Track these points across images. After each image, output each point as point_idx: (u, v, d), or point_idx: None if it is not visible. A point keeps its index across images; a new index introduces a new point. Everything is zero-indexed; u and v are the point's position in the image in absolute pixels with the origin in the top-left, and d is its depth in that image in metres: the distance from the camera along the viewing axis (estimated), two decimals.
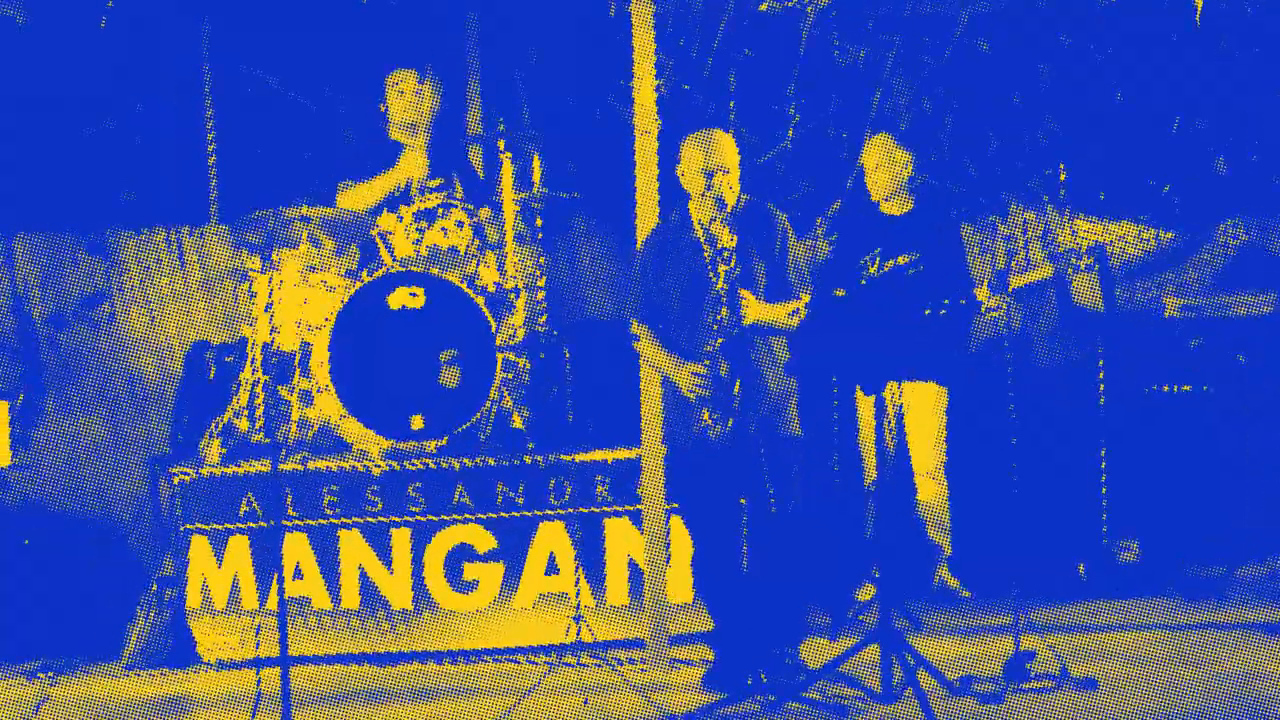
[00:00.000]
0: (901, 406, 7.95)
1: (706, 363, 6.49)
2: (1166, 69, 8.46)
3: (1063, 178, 8.46)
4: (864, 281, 7.71)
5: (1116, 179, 8.79)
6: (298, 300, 7.84)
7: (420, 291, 7.70)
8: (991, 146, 8.83)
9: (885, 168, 7.85)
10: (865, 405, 7.79)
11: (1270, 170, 8.53)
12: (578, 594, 7.33)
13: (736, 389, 6.45)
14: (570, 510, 7.61)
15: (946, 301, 6.34)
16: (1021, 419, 7.82)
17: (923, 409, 7.93)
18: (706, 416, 6.48)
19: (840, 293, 7.69)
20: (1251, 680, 6.40)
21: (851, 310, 6.58)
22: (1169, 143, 8.65)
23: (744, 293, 6.45)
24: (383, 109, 8.38)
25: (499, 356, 7.70)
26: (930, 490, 8.00)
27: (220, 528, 7.56)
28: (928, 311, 6.34)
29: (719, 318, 6.46)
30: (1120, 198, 8.79)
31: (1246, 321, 8.05)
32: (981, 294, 7.74)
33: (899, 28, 8.62)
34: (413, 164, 8.12)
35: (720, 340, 6.44)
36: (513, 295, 7.94)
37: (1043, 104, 8.76)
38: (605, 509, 7.63)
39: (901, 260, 7.73)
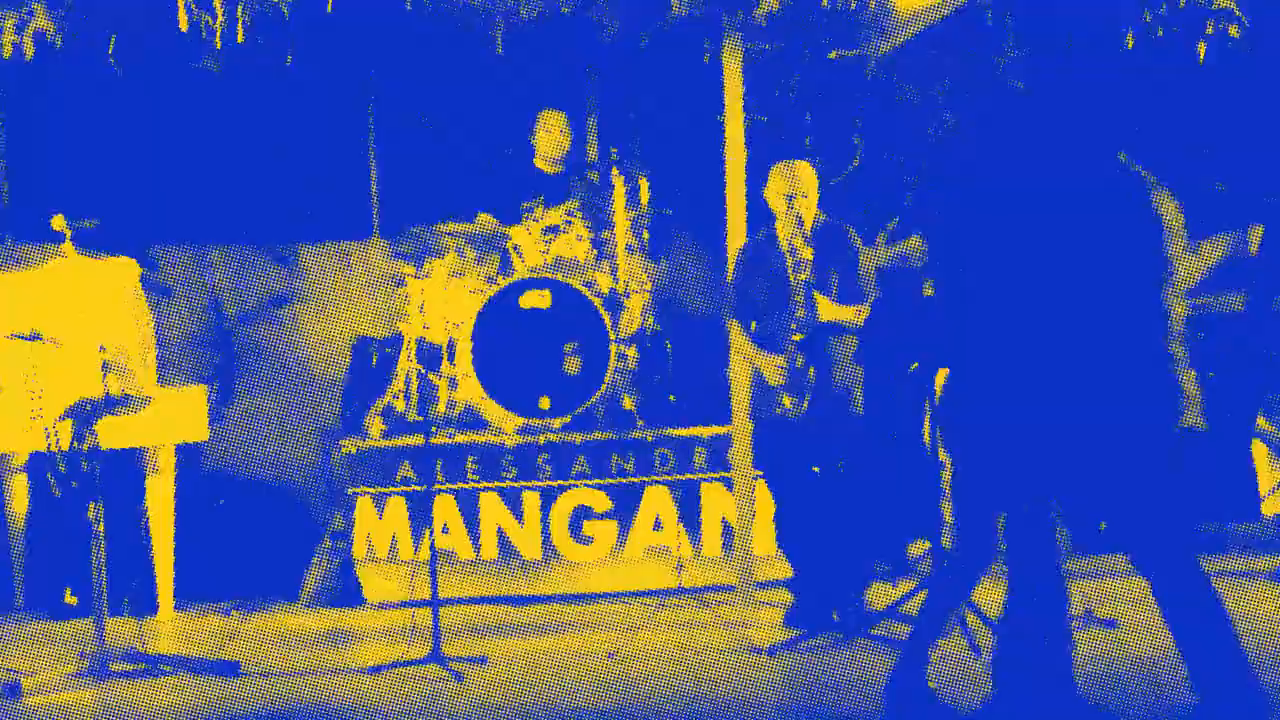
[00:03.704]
0: None
1: (789, 354, 6.73)
2: (1171, 104, 8.47)
3: None
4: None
5: None
6: (445, 301, 8.17)
7: (547, 294, 8.04)
8: None
9: None
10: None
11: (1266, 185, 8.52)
12: (679, 547, 7.71)
13: (811, 376, 6.69)
14: (673, 477, 7.90)
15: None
16: None
17: None
18: (786, 400, 6.76)
19: (929, 291, 8.33)
20: (1255, 619, 6.24)
21: (909, 310, 6.63)
22: (1174, 158, 8.98)
23: (818, 296, 6.70)
24: (533, 141, 8.59)
25: (612, 348, 8.01)
26: None
27: (381, 490, 7.86)
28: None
29: (798, 317, 6.71)
30: None
31: (1231, 318, 8.08)
32: None
33: (947, 70, 8.77)
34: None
35: (799, 336, 6.69)
36: (624, 297, 8.19)
37: None
38: (702, 476, 7.94)
39: None
